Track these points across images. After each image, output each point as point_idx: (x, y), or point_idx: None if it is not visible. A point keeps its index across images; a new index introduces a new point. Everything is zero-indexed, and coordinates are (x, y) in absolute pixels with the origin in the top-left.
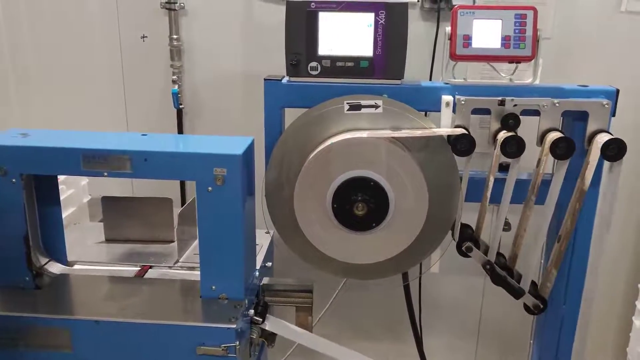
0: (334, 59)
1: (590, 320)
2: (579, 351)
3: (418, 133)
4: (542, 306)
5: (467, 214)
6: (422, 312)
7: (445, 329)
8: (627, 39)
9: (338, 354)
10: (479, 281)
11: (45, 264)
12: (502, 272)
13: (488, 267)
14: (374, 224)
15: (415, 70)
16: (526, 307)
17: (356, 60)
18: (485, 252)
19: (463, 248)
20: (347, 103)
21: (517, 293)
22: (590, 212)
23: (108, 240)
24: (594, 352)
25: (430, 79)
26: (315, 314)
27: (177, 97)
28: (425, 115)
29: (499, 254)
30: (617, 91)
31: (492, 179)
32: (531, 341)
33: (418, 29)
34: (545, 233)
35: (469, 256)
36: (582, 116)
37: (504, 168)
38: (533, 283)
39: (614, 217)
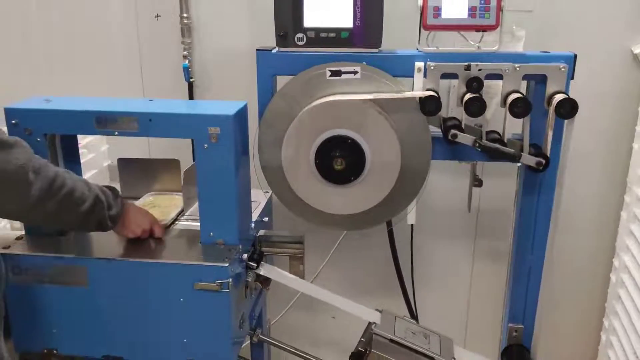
0: (318, 31)
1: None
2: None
3: (387, 96)
4: (544, 161)
5: (441, 176)
6: (415, 270)
7: (437, 286)
8: (609, 9)
9: (322, 295)
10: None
11: None
12: (492, 145)
13: (477, 144)
14: (352, 178)
15: (407, 40)
16: (531, 169)
17: (338, 31)
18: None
19: (449, 136)
20: (329, 70)
21: (514, 157)
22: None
23: (124, 196)
24: (572, 306)
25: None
26: (315, 267)
27: (187, 72)
28: None
29: (491, 132)
30: (575, 56)
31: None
32: (505, 288)
33: (407, 2)
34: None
35: (458, 142)
36: (543, 79)
37: None
38: (534, 145)
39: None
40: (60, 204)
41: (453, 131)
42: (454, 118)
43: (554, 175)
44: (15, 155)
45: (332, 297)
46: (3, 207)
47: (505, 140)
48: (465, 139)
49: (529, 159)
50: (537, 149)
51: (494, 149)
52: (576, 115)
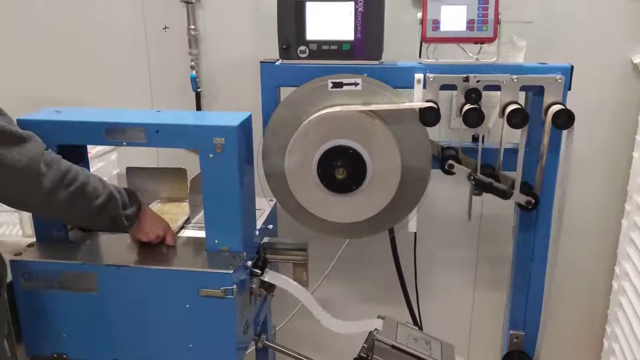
0: (320, 43)
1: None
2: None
3: (387, 107)
4: (534, 201)
5: (442, 184)
6: (418, 277)
7: (441, 293)
8: (609, 19)
9: (317, 310)
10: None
11: None
12: (486, 179)
13: (472, 177)
14: (353, 187)
15: (409, 51)
16: (520, 206)
17: (339, 43)
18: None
19: (446, 166)
20: (331, 81)
21: (505, 194)
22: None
23: None
24: (574, 313)
25: None
26: (318, 276)
27: (195, 82)
28: None
29: (485, 166)
30: (572, 67)
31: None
32: (506, 295)
33: (410, 15)
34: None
35: (453, 173)
36: (540, 90)
37: (476, 139)
38: (525, 183)
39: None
40: (72, 196)
41: (450, 162)
42: (452, 148)
43: (552, 188)
44: (28, 149)
45: (330, 320)
46: (17, 198)
47: (499, 176)
48: (461, 170)
49: (520, 198)
50: (528, 187)
51: (487, 184)
52: (576, 125)
